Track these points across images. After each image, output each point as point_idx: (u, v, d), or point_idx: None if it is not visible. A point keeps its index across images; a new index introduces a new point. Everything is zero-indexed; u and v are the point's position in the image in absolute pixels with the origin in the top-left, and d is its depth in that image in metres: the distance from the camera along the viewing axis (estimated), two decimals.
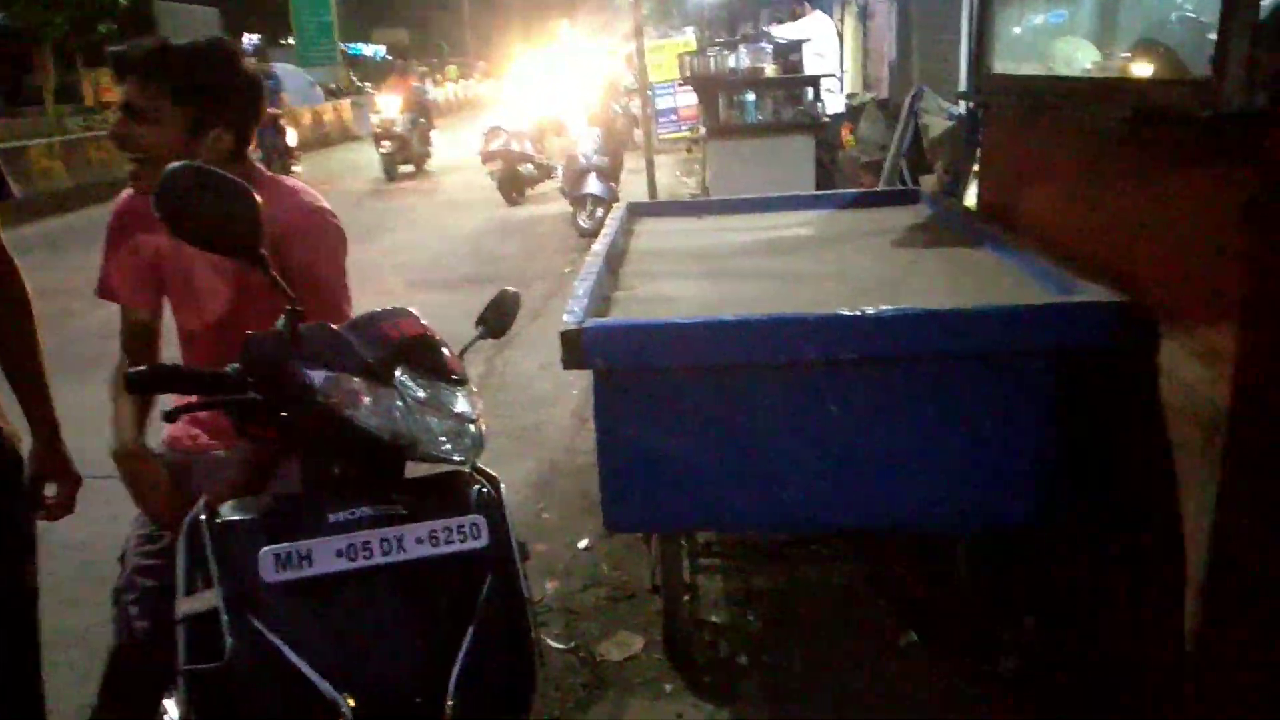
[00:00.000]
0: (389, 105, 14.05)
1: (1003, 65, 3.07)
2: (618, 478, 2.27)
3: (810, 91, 7.01)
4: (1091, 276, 2.19)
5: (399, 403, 1.29)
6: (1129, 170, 2.14)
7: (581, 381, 4.43)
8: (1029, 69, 2.92)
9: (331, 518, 1.24)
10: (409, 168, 14.40)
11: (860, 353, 2.09)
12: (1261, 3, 1.66)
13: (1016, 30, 3.11)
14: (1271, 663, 1.83)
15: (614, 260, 3.02)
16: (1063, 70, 2.78)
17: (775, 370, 2.18)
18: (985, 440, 2.20)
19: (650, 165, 7.33)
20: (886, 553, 3.06)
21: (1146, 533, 2.03)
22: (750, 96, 6.95)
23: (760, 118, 6.85)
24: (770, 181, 6.02)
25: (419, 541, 1.24)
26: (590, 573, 3.14)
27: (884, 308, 2.09)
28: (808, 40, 7.35)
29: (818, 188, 6.42)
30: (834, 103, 7.43)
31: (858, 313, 2.06)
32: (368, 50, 35.46)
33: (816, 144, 6.87)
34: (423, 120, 14.56)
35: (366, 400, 1.26)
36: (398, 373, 1.31)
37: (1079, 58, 2.72)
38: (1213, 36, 1.76)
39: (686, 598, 2.73)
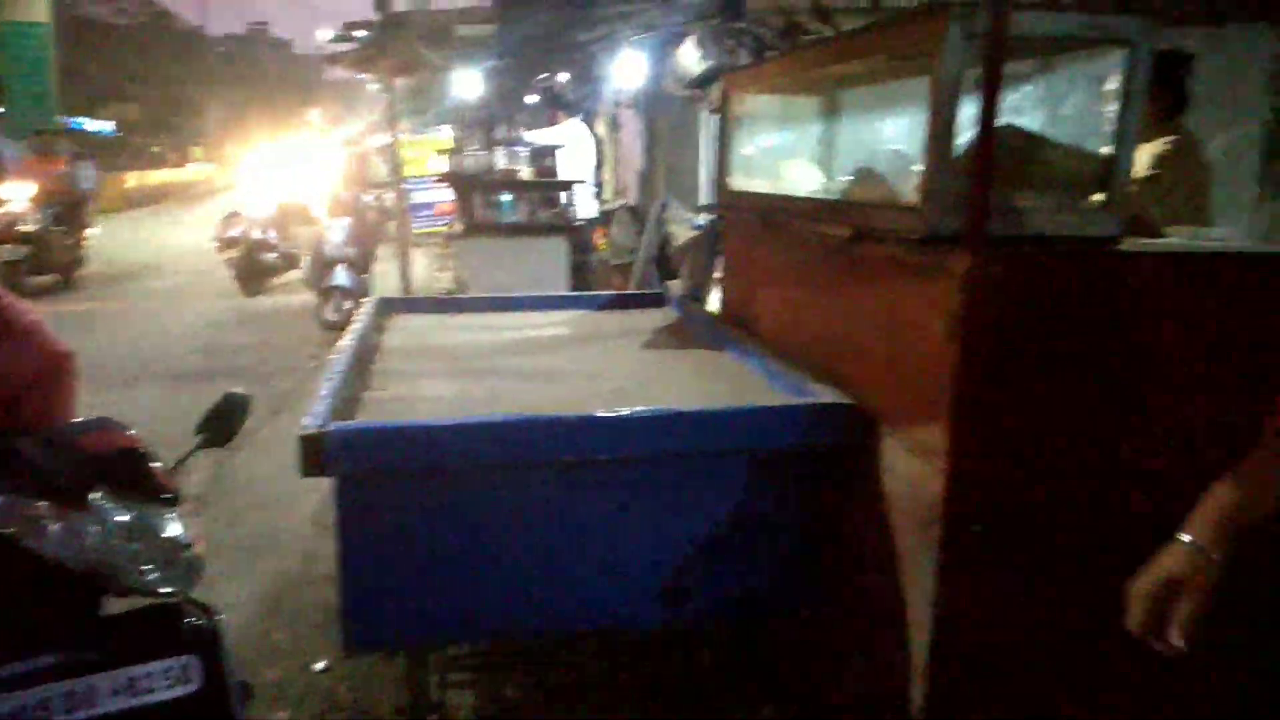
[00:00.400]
0: (17, 195, 10.49)
1: (742, 181, 3.29)
2: (361, 591, 2.12)
3: (565, 195, 7.21)
4: (822, 379, 2.36)
5: (94, 528, 1.12)
6: (851, 284, 2.33)
7: (323, 483, 4.16)
8: (764, 186, 3.15)
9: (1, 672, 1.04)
10: (48, 278, 10.90)
11: (611, 453, 2.10)
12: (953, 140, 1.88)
13: (752, 150, 3.35)
14: None
15: (362, 358, 2.88)
16: (799, 186, 3.02)
17: (528, 472, 2.14)
18: (731, 536, 2.26)
19: (404, 259, 7.18)
20: (638, 648, 3.05)
21: (877, 618, 2.15)
22: (506, 197, 7.04)
23: (516, 218, 6.94)
24: (525, 281, 6.07)
25: (115, 693, 1.07)
26: (327, 698, 2.88)
27: (637, 408, 2.13)
28: (561, 146, 7.59)
29: (572, 288, 6.55)
30: (588, 207, 7.68)
31: (611, 414, 2.08)
32: (93, 125, 32.82)
33: (570, 246, 7.04)
34: (70, 216, 11.23)
35: (53, 527, 1.08)
36: (96, 494, 1.14)
37: (804, 179, 2.97)
38: (916, 168, 1.98)
39: (434, 718, 2.57)
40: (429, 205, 14.53)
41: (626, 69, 7.57)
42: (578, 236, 7.26)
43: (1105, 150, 1.90)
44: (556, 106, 7.90)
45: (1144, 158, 2.84)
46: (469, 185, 6.97)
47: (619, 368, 2.90)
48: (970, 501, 1.85)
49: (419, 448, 2.05)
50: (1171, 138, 2.80)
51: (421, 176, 13.53)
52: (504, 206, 7.06)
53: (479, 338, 3.35)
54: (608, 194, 10.64)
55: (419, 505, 2.11)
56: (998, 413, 1.85)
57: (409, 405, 2.47)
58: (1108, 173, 1.89)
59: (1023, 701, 1.99)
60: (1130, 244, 1.97)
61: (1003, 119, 1.83)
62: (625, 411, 2.09)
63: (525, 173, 7.33)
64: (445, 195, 12.60)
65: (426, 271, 11.48)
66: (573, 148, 7.57)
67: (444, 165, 8.02)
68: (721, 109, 3.17)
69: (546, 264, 6.76)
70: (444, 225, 13.58)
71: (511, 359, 3.07)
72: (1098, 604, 1.53)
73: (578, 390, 2.60)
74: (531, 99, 12.39)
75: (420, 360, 2.99)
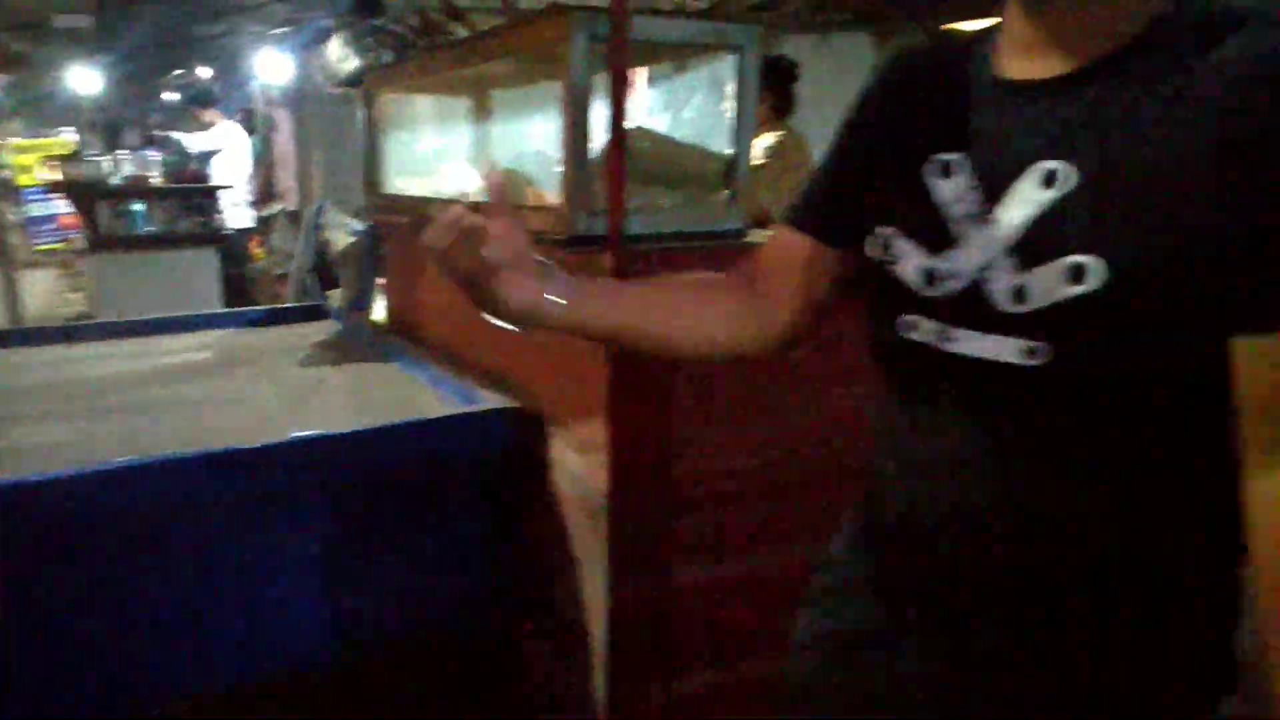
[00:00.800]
0: None
1: (397, 183, 3.18)
2: None
3: (213, 202, 6.62)
4: (491, 385, 2.33)
5: None
6: None
7: None
8: (418, 188, 3.06)
9: None
10: None
11: (256, 488, 1.94)
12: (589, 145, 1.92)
13: (405, 152, 3.25)
14: None
15: None
16: (448, 191, 2.96)
17: (162, 518, 1.91)
18: (409, 558, 2.18)
19: (11, 283, 6.22)
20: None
21: (564, 623, 2.17)
22: (139, 206, 6.33)
23: (151, 229, 6.26)
24: (171, 298, 5.49)
25: None
26: None
27: (291, 435, 1.98)
28: (219, 151, 6.96)
29: (227, 304, 6.03)
30: (242, 214, 7.09)
31: (256, 445, 1.91)
32: None
33: (222, 257, 6.48)
34: None
35: None
36: None
37: (459, 180, 2.92)
38: (559, 169, 2.00)
39: None
40: (51, 218, 12.77)
41: (272, 65, 7.08)
42: (231, 247, 6.71)
43: (727, 150, 2.04)
44: (201, 105, 7.20)
45: (755, 151, 3.13)
46: (88, 194, 6.18)
47: (272, 391, 2.69)
48: (628, 493, 1.91)
49: (21, 506, 1.76)
50: (778, 133, 3.11)
51: (36, 186, 11.85)
52: (137, 217, 6.34)
53: (110, 369, 2.97)
54: (267, 198, 9.93)
55: (33, 569, 1.82)
56: (651, 407, 1.92)
57: (15, 457, 2.13)
58: (730, 171, 2.03)
59: (704, 693, 2.10)
60: (754, 236, 2.13)
61: (636, 121, 1.90)
62: (267, 441, 1.93)
63: (157, 179, 6.63)
64: (69, 207, 11.14)
65: (54, 295, 10.07)
66: (227, 150, 6.97)
67: (57, 173, 7.05)
68: (366, 110, 3.04)
69: (195, 278, 6.17)
70: (66, 241, 12.00)
71: (148, 391, 2.74)
72: (770, 588, 1.64)
73: (223, 420, 2.37)
74: (171, 97, 11.24)
75: (32, 401, 2.58)
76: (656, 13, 1.85)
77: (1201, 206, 0.71)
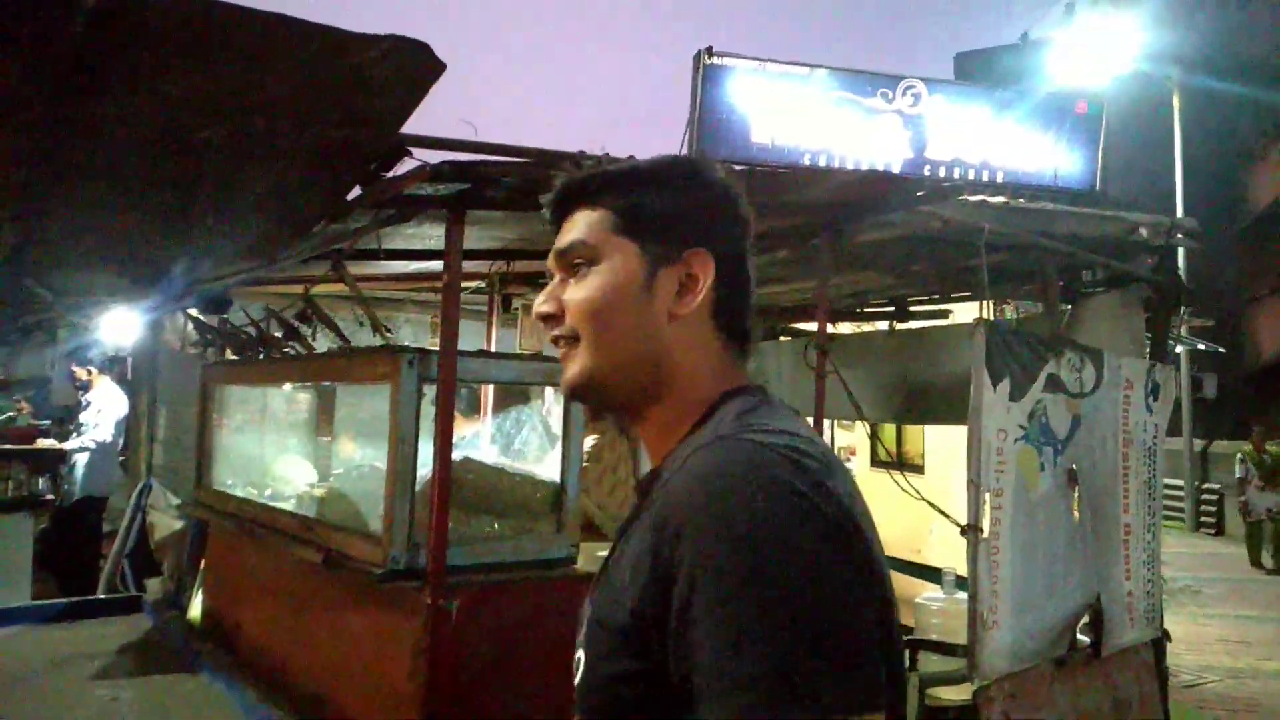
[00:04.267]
0: None
1: (226, 476, 3.08)
2: None
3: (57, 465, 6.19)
4: (301, 712, 2.17)
5: None
6: (328, 608, 2.23)
7: None
8: (252, 485, 2.98)
9: None
10: None
11: None
12: (419, 471, 1.93)
13: (238, 447, 3.18)
14: None
15: None
16: (280, 488, 2.89)
17: None
18: None
19: None
20: None
21: None
22: None
23: None
24: None
25: None
26: None
27: None
28: (91, 407, 6.43)
29: (64, 581, 5.48)
30: (106, 480, 6.37)
31: None
32: None
33: (57, 527, 5.95)
34: None
35: None
36: None
37: (295, 479, 2.86)
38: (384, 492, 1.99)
39: None
40: None
41: (117, 326, 6.87)
42: (74, 515, 6.12)
43: (554, 477, 2.08)
44: (79, 362, 6.74)
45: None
46: None
47: (51, 713, 2.41)
48: None
49: None
50: (594, 436, 3.18)
51: None
52: None
53: None
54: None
55: None
56: None
57: None
58: (558, 499, 2.06)
59: None
60: (584, 558, 2.14)
61: (463, 451, 1.93)
62: None
63: None
64: None
65: None
66: (105, 410, 6.42)
67: None
68: (201, 402, 2.99)
69: (4, 553, 5.64)
70: None
71: None
72: None
73: None
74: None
75: None
76: (484, 354, 1.93)
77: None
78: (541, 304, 0.98)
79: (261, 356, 2.81)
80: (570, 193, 1.01)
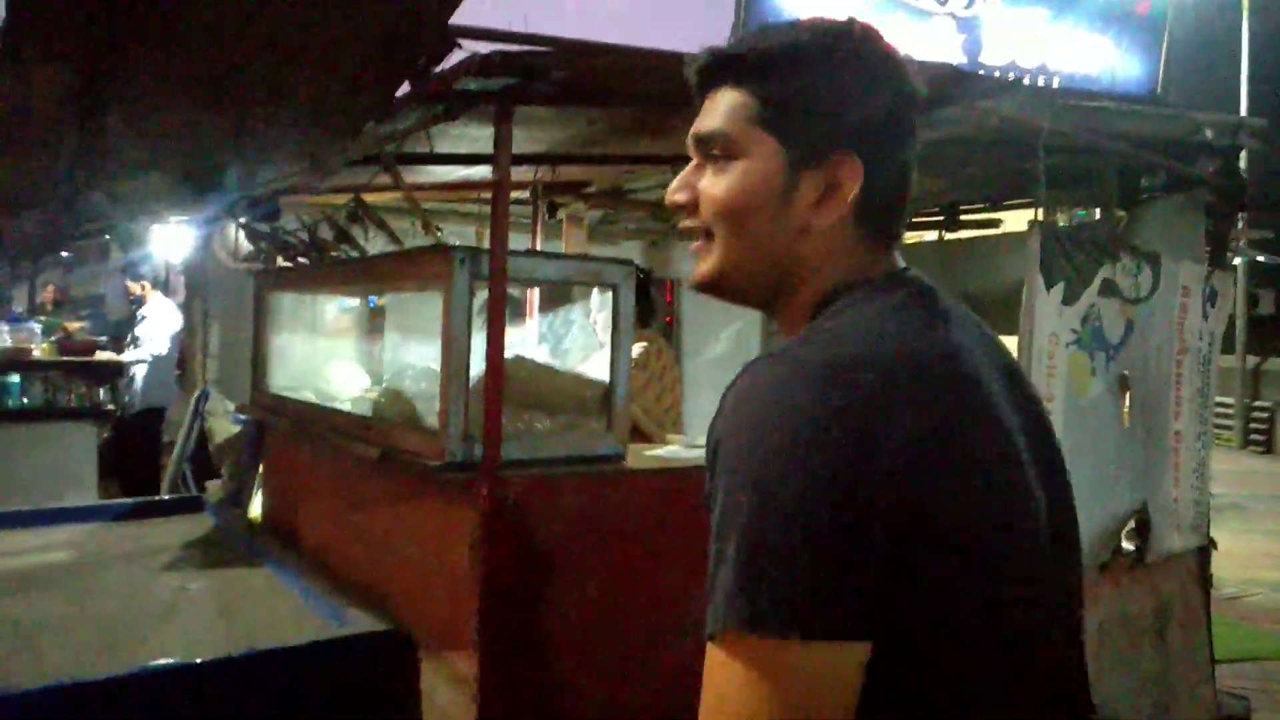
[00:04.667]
0: None
1: (282, 381, 3.15)
2: None
3: (117, 377, 6.38)
4: (362, 601, 2.25)
5: None
6: (385, 504, 2.29)
7: None
8: (307, 389, 3.05)
9: None
10: None
11: None
12: (471, 370, 1.96)
13: (294, 351, 3.24)
14: None
15: None
16: (335, 391, 2.96)
17: None
18: None
19: None
20: None
21: None
22: (14, 379, 6.08)
23: (26, 403, 6.00)
24: (42, 480, 5.20)
25: None
26: None
27: (134, 667, 1.85)
28: (146, 321, 6.61)
29: (126, 488, 5.70)
30: (164, 393, 6.57)
31: (76, 680, 1.77)
32: None
33: (117, 436, 6.16)
34: None
35: None
36: None
37: (345, 385, 2.92)
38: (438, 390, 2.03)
39: None
40: None
41: (169, 240, 6.99)
42: (139, 425, 6.34)
43: (603, 377, 2.10)
44: (132, 277, 6.90)
45: None
46: None
47: (128, 602, 2.53)
48: None
49: None
50: (642, 344, 3.20)
51: None
52: (12, 390, 6.08)
53: None
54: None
55: None
56: (525, 640, 1.89)
57: None
58: (606, 399, 2.09)
59: None
60: (632, 457, 2.18)
61: (514, 350, 1.96)
62: (110, 674, 1.80)
63: (39, 351, 6.41)
64: None
65: None
66: (159, 323, 6.61)
67: None
68: (255, 308, 3.05)
69: (70, 459, 5.87)
70: None
71: None
72: None
73: (60, 642, 2.21)
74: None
75: None
76: (533, 253, 1.94)
77: None
78: (675, 191, 0.95)
79: (313, 262, 2.85)
80: (717, 65, 0.93)
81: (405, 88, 1.99)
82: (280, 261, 3.09)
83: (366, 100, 2.05)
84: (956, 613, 0.77)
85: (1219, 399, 14.37)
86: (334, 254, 2.68)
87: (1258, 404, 15.63)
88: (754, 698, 0.71)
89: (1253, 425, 15.51)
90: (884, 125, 0.91)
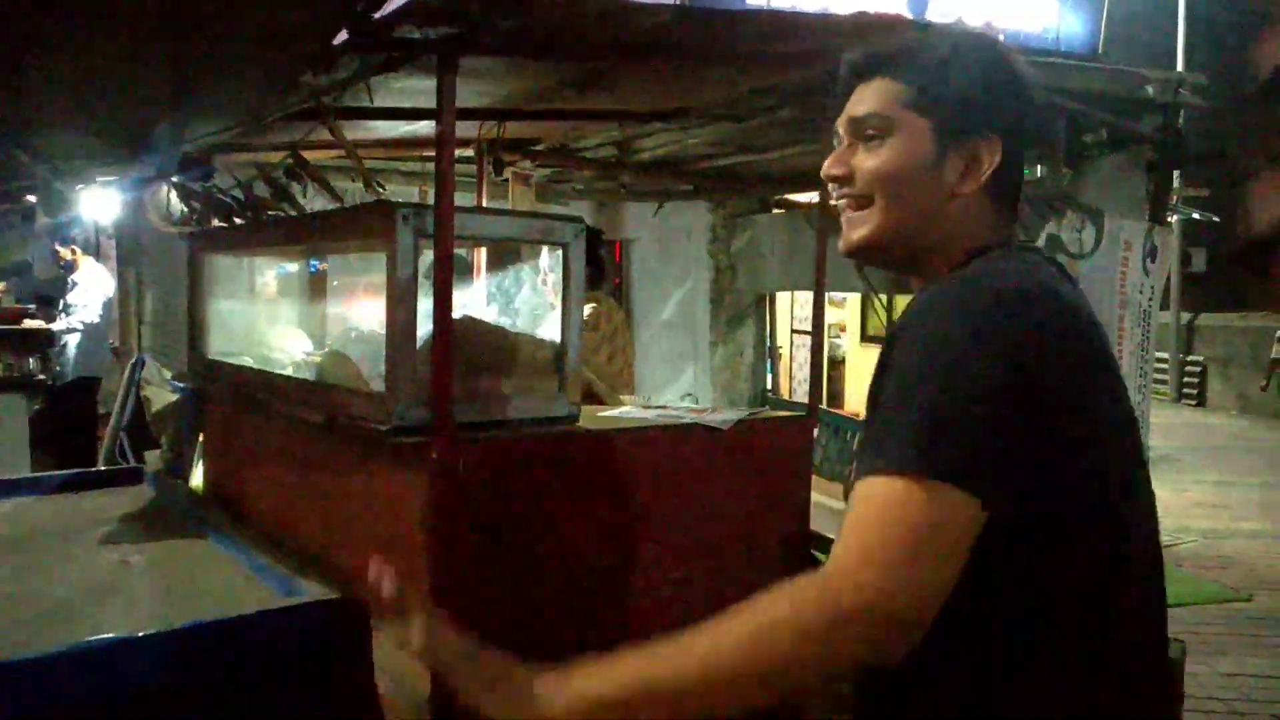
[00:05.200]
0: None
1: (221, 347, 3.05)
2: None
3: (47, 345, 6.15)
4: (312, 569, 2.20)
5: None
6: (333, 470, 2.24)
7: None
8: (247, 355, 2.95)
9: None
10: None
11: (31, 706, 1.73)
12: (419, 331, 1.90)
13: (231, 315, 3.14)
14: None
15: None
16: (278, 356, 2.87)
17: None
18: None
19: None
20: None
21: None
22: None
23: None
24: None
25: None
26: None
27: (72, 642, 1.78)
28: (75, 286, 6.39)
29: (61, 460, 5.52)
30: (97, 362, 6.38)
31: (14, 659, 1.70)
32: None
33: (50, 407, 5.96)
34: None
35: None
36: None
37: (292, 348, 2.84)
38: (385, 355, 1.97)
39: None
40: None
41: (98, 203, 6.74)
42: (69, 396, 6.13)
43: (554, 338, 2.06)
44: (63, 241, 6.63)
45: None
46: None
47: (66, 577, 2.45)
48: (457, 698, 1.82)
49: None
50: (592, 305, 3.16)
51: None
52: None
53: None
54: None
55: None
56: (479, 603, 1.86)
57: None
58: (558, 359, 2.05)
59: None
60: (585, 419, 2.15)
61: (463, 311, 1.91)
62: (44, 651, 1.74)
63: None
64: None
65: None
66: (90, 290, 6.37)
67: None
68: (190, 272, 2.94)
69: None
70: None
71: None
72: None
73: None
74: None
75: None
76: (480, 210, 1.88)
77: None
78: (831, 167, 1.11)
79: (249, 221, 2.75)
80: (873, 59, 1.10)
81: (344, 36, 1.90)
82: (215, 222, 2.97)
83: (302, 47, 1.96)
84: (1078, 502, 0.95)
85: (1157, 353, 14.79)
86: (272, 213, 2.58)
87: (1191, 359, 16.13)
88: (898, 519, 0.87)
89: (1186, 380, 16.00)
90: (1015, 117, 1.10)
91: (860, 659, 0.88)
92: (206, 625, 1.99)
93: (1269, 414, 13.61)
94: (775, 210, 6.00)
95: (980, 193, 1.08)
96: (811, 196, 4.62)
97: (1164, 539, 4.42)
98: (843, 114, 1.12)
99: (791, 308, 8.89)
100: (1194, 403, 15.66)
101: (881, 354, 0.99)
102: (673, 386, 5.61)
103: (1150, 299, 3.54)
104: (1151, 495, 1.10)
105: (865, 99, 1.09)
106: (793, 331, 9.10)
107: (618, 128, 3.52)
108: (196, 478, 3.34)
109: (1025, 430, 0.90)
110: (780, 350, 7.75)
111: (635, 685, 0.95)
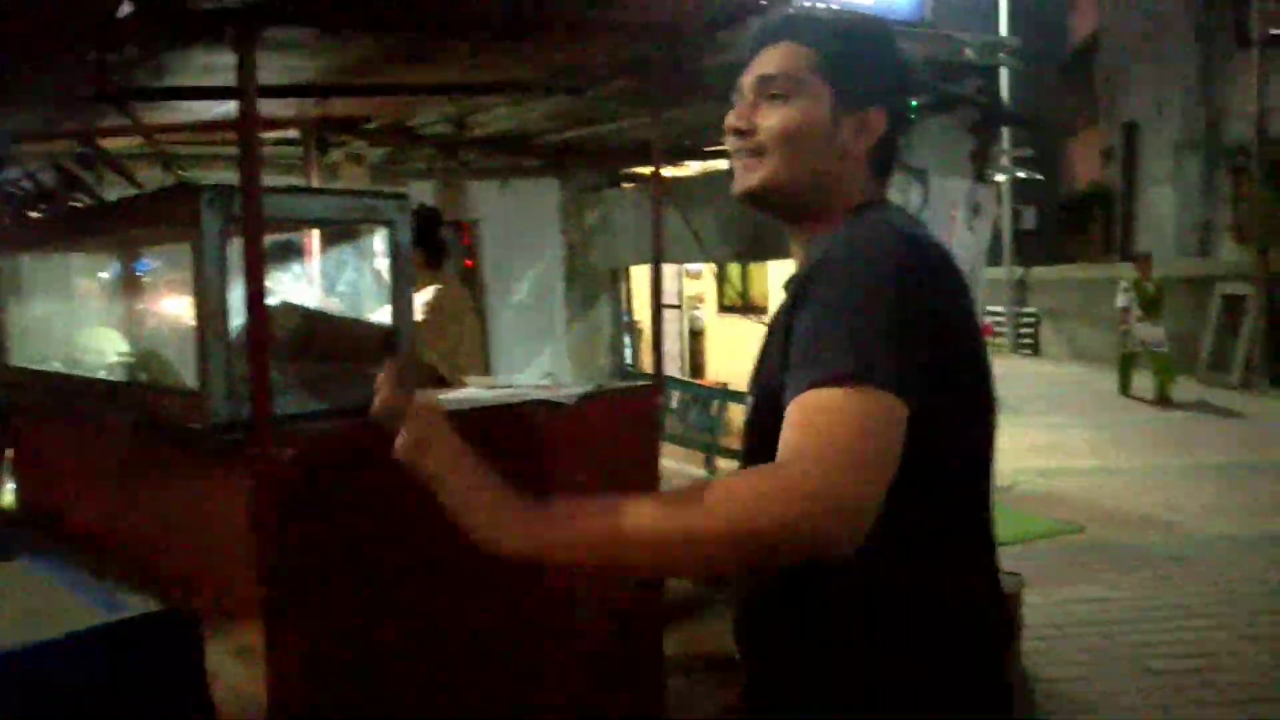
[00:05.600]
0: None
1: (26, 354, 2.81)
2: None
3: None
4: (136, 583, 2.06)
5: None
6: (154, 476, 2.09)
7: None
8: (55, 360, 2.73)
9: None
10: None
11: None
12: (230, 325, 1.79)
13: (41, 316, 2.89)
14: None
15: None
16: (89, 359, 2.67)
17: None
18: None
19: None
20: None
21: None
22: None
23: None
24: None
25: None
26: None
27: None
28: None
29: None
30: None
31: None
32: None
33: None
34: None
35: None
36: None
37: (104, 349, 2.64)
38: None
39: None
40: None
41: None
42: None
43: (385, 320, 1.98)
44: None
45: (414, 305, 3.09)
46: None
47: None
48: (295, 704, 1.74)
49: None
50: (435, 287, 3.07)
51: None
52: None
53: None
54: None
55: None
56: (314, 603, 1.78)
57: None
58: (389, 343, 1.97)
59: None
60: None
61: (285, 297, 1.80)
62: None
63: None
64: None
65: None
66: None
67: None
68: None
69: None
70: None
71: None
72: None
73: None
74: None
75: None
76: (294, 190, 1.78)
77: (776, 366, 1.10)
78: (735, 120, 1.19)
79: (41, 214, 2.52)
80: (786, 24, 1.21)
81: (128, 8, 1.75)
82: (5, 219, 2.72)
83: (82, 21, 1.80)
84: (966, 405, 1.11)
85: (991, 308, 15.67)
86: (72, 204, 2.38)
87: (1025, 311, 17.17)
88: (845, 422, 0.96)
89: (1021, 331, 17.04)
90: (901, 90, 1.25)
91: (810, 544, 0.94)
92: (21, 652, 1.84)
93: (1098, 360, 14.65)
94: (625, 185, 5.99)
95: (865, 157, 1.20)
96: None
97: (1003, 481, 4.74)
98: (749, 72, 1.20)
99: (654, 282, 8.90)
100: (1029, 352, 16.70)
101: (794, 291, 1.09)
102: (532, 366, 5.54)
103: (976, 254, 3.72)
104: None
105: (774, 60, 1.18)
106: (660, 306, 9.14)
107: (450, 102, 3.42)
108: (6, 495, 3.08)
109: (932, 345, 1.03)
110: (640, 325, 7.78)
111: (597, 540, 1.01)
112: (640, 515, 0.98)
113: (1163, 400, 10.49)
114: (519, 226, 5.52)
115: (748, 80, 1.20)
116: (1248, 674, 3.75)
